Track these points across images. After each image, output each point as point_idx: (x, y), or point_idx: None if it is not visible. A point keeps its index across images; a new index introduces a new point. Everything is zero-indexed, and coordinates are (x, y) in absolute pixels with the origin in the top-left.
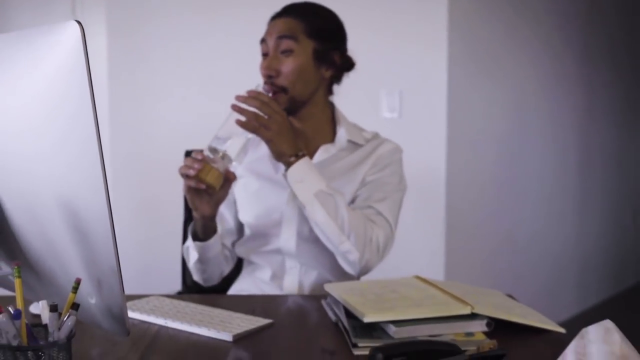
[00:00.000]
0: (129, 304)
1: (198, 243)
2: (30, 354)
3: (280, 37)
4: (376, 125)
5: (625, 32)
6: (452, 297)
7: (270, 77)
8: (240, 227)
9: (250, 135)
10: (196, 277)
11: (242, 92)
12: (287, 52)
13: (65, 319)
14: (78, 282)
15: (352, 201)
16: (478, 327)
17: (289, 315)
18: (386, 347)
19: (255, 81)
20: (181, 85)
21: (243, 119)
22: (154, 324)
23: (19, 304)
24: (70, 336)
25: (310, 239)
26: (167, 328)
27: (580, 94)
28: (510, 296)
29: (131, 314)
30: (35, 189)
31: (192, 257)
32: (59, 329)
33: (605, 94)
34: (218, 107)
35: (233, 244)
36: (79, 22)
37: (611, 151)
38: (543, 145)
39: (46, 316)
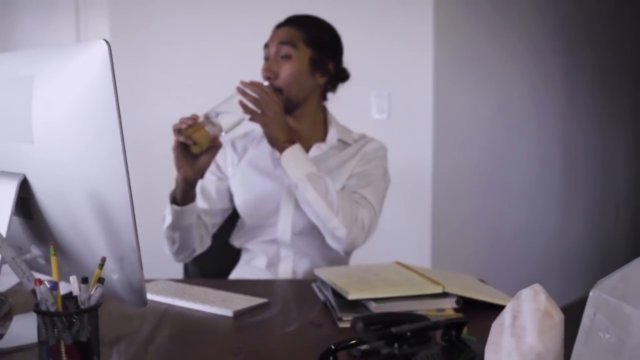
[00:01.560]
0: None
1: (174, 207)
2: (64, 319)
3: (281, 43)
4: (366, 126)
5: (608, 32)
6: (426, 279)
7: (268, 78)
8: (223, 212)
9: (247, 117)
10: (168, 246)
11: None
12: (286, 57)
13: (93, 291)
14: (103, 260)
15: None
16: (448, 304)
17: (283, 296)
18: (365, 317)
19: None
20: (180, 85)
21: (245, 100)
22: (163, 303)
23: (55, 277)
24: (97, 305)
25: (304, 231)
26: (174, 306)
27: (563, 93)
28: (482, 280)
29: None
30: (67, 181)
31: (166, 222)
32: (89, 299)
33: (588, 92)
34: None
35: (218, 237)
36: (106, 41)
37: (595, 148)
38: (527, 143)
39: (76, 289)
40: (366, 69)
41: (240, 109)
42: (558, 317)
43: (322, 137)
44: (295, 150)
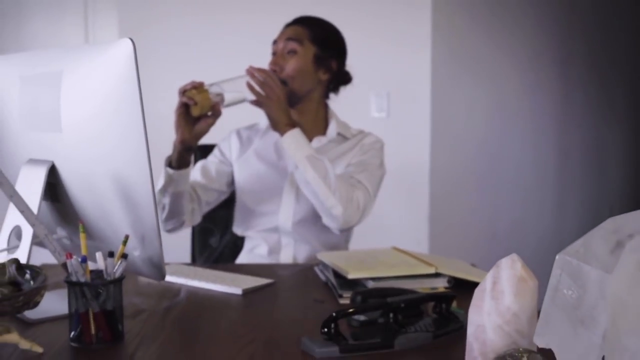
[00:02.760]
0: None
1: (168, 169)
2: (92, 289)
3: (288, 40)
4: (366, 124)
5: (602, 32)
6: (420, 261)
7: (274, 71)
8: (219, 194)
9: (250, 97)
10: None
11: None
12: (292, 52)
13: (117, 265)
14: (126, 238)
15: None
16: (440, 283)
17: (287, 277)
18: (364, 291)
19: None
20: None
21: (252, 82)
22: (176, 283)
23: (84, 251)
24: (122, 277)
25: (304, 219)
26: (187, 286)
27: (558, 93)
28: (473, 265)
29: None
30: (92, 167)
31: (158, 185)
32: (114, 271)
33: (583, 92)
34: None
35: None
36: (131, 40)
37: (589, 147)
38: (522, 141)
39: (102, 263)
40: (366, 69)
41: (245, 89)
42: (532, 282)
43: (323, 131)
44: (296, 133)
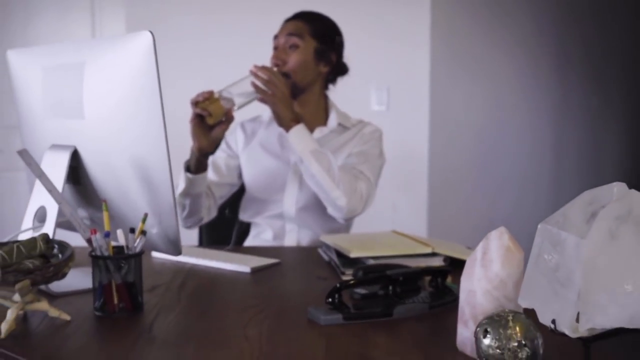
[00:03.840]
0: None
1: (188, 175)
2: (115, 262)
3: (290, 35)
4: (367, 117)
5: (599, 29)
6: (418, 242)
7: (277, 65)
8: (231, 187)
9: (257, 96)
10: (178, 212)
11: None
12: (294, 47)
13: (137, 241)
14: (145, 216)
15: None
16: (436, 262)
17: (292, 258)
18: (365, 266)
19: None
20: (193, 80)
21: (257, 82)
22: (187, 263)
23: (107, 227)
24: (141, 252)
25: (308, 206)
26: (198, 265)
27: (555, 89)
28: (469, 248)
29: (170, 256)
30: (113, 151)
31: (179, 188)
32: (135, 246)
33: (580, 89)
34: None
35: (222, 206)
36: (151, 32)
37: (585, 143)
38: (519, 135)
39: (123, 240)
40: (367, 64)
41: (251, 89)
42: (518, 252)
43: (324, 122)
44: (300, 128)
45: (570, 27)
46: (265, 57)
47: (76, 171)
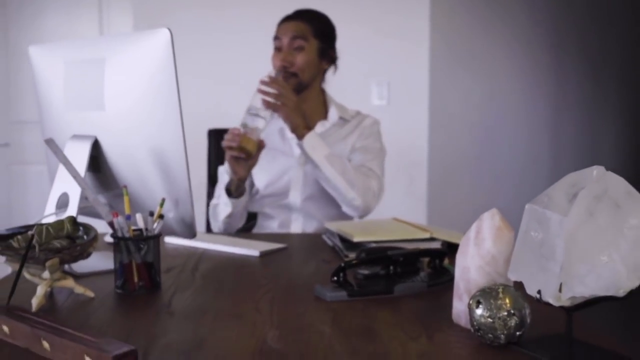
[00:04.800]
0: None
1: (233, 200)
2: (135, 243)
3: (294, 37)
4: (368, 111)
5: (595, 24)
6: (418, 228)
7: (285, 67)
8: (250, 189)
9: (273, 113)
10: (221, 230)
11: (259, 79)
12: (299, 48)
13: (155, 224)
14: (163, 200)
15: None
16: (435, 247)
17: (298, 243)
18: (367, 249)
19: (262, 70)
20: (200, 76)
21: (268, 98)
22: (199, 248)
23: (127, 211)
24: (159, 234)
25: (312, 197)
26: (209, 250)
27: (552, 83)
28: None
29: (182, 241)
30: (132, 140)
31: (224, 212)
32: (153, 228)
33: (576, 81)
34: (230, 95)
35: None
36: (169, 29)
37: (582, 133)
38: (516, 128)
39: (141, 223)
40: (368, 59)
41: (265, 108)
42: (508, 231)
43: (324, 116)
44: (313, 135)
45: (567, 22)
46: (266, 49)
47: (96, 160)
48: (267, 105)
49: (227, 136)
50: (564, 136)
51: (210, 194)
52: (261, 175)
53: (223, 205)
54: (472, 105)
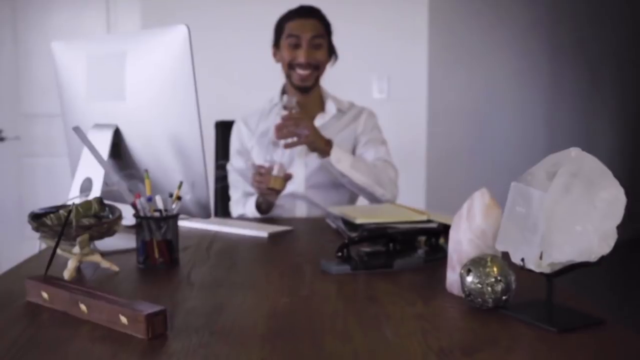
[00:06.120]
0: (193, 219)
1: (260, 215)
2: (156, 222)
3: (314, 37)
4: (368, 104)
5: (591, 19)
6: (416, 211)
7: (309, 63)
8: None
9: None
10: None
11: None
12: (318, 46)
13: (174, 205)
14: (181, 183)
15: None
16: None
17: (303, 226)
18: (369, 228)
19: (267, 64)
20: (207, 68)
21: (287, 141)
22: (211, 230)
23: (148, 192)
24: (178, 214)
25: (315, 185)
26: (221, 232)
27: (547, 77)
28: None
29: (195, 224)
30: (151, 129)
31: (245, 214)
32: (172, 209)
33: (571, 76)
34: (237, 88)
35: None
36: (187, 26)
37: (577, 124)
38: (512, 120)
39: (160, 205)
40: (369, 55)
41: (285, 141)
42: (497, 209)
43: (321, 108)
44: (336, 150)
45: (562, 18)
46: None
47: (117, 147)
48: (289, 146)
49: (255, 177)
50: (559, 129)
51: (216, 181)
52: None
53: (250, 214)
54: (469, 99)
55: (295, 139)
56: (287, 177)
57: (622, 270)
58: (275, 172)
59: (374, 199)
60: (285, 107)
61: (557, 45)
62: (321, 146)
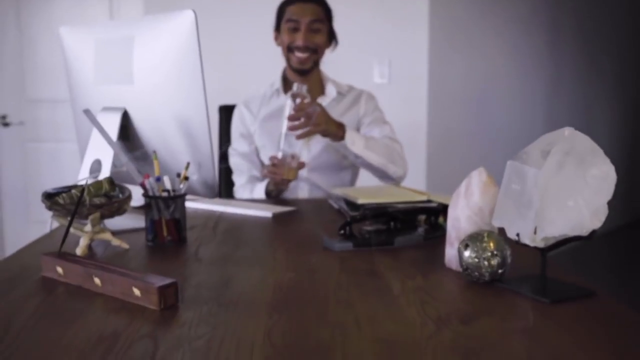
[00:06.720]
0: (199, 200)
1: (269, 199)
2: (164, 201)
3: (314, 21)
4: (369, 88)
5: (591, 7)
6: (416, 192)
7: (307, 46)
8: (262, 167)
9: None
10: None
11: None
12: (317, 30)
13: (182, 184)
14: (188, 164)
15: None
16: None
17: (306, 207)
18: (370, 208)
19: (270, 48)
20: (210, 53)
21: (299, 132)
22: (216, 211)
23: (157, 173)
24: (185, 194)
25: (317, 168)
26: (225, 212)
27: (547, 60)
28: None
29: (201, 205)
30: (159, 111)
31: (252, 197)
32: (180, 188)
33: (571, 59)
34: (240, 73)
35: None
36: (193, 11)
37: (577, 110)
38: (512, 105)
39: (168, 185)
40: (370, 40)
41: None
42: (494, 187)
43: (321, 91)
44: (350, 133)
45: (562, 2)
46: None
47: (125, 129)
48: (301, 137)
49: (269, 167)
50: (559, 112)
51: (220, 162)
52: (267, 152)
53: (256, 196)
54: (469, 83)
55: (308, 129)
56: (301, 166)
57: (622, 251)
58: (289, 162)
59: (385, 176)
60: (294, 95)
61: (557, 30)
62: (334, 131)
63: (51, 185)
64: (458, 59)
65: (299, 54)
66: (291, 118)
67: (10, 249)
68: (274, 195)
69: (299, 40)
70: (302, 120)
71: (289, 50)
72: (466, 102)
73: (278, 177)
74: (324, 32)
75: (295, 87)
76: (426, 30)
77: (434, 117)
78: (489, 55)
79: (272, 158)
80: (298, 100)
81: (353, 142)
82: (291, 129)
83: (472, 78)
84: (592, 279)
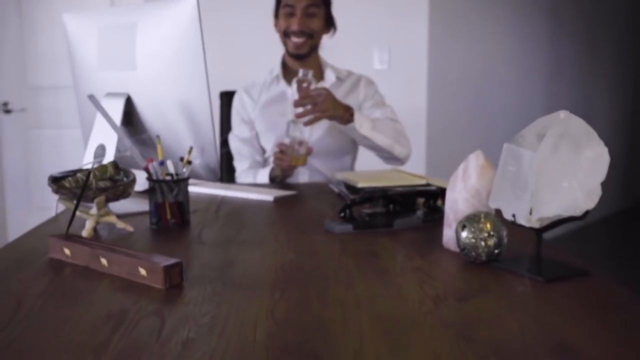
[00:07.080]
0: (201, 184)
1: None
2: (168, 184)
3: (309, 6)
4: (369, 75)
5: None
6: (415, 176)
7: (302, 30)
8: (263, 153)
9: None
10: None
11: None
12: (312, 15)
13: (185, 168)
14: (191, 148)
15: None
16: None
17: (307, 191)
18: (370, 191)
19: (271, 33)
20: (211, 38)
21: (306, 119)
22: (218, 195)
23: (160, 157)
24: (189, 177)
25: (317, 153)
26: (227, 196)
27: (547, 47)
28: None
29: (204, 190)
30: (162, 96)
31: (255, 181)
32: (183, 172)
33: (571, 47)
34: (241, 58)
35: None
36: None
37: (576, 98)
38: (511, 90)
39: (172, 169)
40: (370, 27)
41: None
42: (491, 170)
43: (321, 76)
44: (358, 115)
45: None
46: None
47: (129, 115)
48: (308, 123)
49: (277, 154)
50: (558, 99)
51: (222, 147)
52: (267, 138)
53: (259, 181)
54: (469, 69)
55: (314, 115)
56: (309, 152)
57: (619, 236)
58: (297, 149)
59: (391, 157)
60: (300, 81)
61: (557, 17)
62: (341, 114)
63: (53, 171)
64: (458, 46)
65: (294, 39)
66: (296, 104)
67: (13, 236)
68: (278, 181)
69: (295, 25)
70: (309, 106)
71: (285, 35)
72: (465, 88)
73: (285, 164)
74: (320, 17)
75: (300, 72)
76: (426, 16)
77: (433, 103)
78: (489, 42)
79: (280, 145)
80: (305, 86)
81: (361, 124)
82: (298, 116)
83: (471, 64)
84: (589, 262)
